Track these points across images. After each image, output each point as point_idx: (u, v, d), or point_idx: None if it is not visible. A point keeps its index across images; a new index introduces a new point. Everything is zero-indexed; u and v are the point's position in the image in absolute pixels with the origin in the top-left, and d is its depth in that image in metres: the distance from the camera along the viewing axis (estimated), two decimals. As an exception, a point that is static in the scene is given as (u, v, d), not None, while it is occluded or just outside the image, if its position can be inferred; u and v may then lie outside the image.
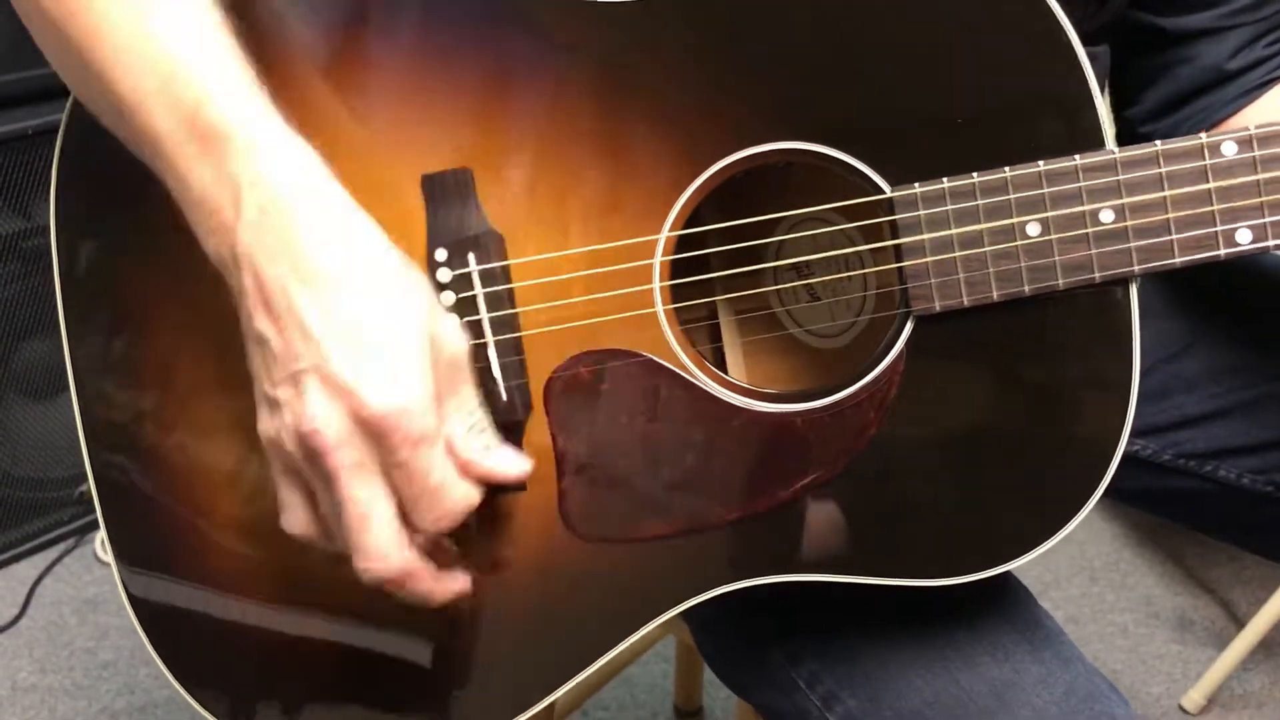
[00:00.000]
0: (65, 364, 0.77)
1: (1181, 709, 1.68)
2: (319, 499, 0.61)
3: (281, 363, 0.59)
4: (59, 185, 0.76)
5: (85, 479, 0.77)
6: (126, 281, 0.76)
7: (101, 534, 1.83)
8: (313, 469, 0.60)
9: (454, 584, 0.65)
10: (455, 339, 0.62)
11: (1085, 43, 0.67)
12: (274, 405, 0.60)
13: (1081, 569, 1.93)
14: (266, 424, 0.61)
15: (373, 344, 0.58)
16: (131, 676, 1.70)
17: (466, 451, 0.62)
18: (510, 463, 0.64)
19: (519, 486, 0.69)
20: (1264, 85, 0.86)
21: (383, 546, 0.60)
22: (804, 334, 0.84)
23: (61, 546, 1.89)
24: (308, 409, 0.58)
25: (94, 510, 0.78)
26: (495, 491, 0.72)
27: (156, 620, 0.78)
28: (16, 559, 1.87)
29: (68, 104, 0.74)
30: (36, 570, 1.85)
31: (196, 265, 0.73)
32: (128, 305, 0.76)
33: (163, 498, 0.76)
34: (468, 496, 0.62)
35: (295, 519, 0.63)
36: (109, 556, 1.85)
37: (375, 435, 0.58)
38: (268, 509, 0.75)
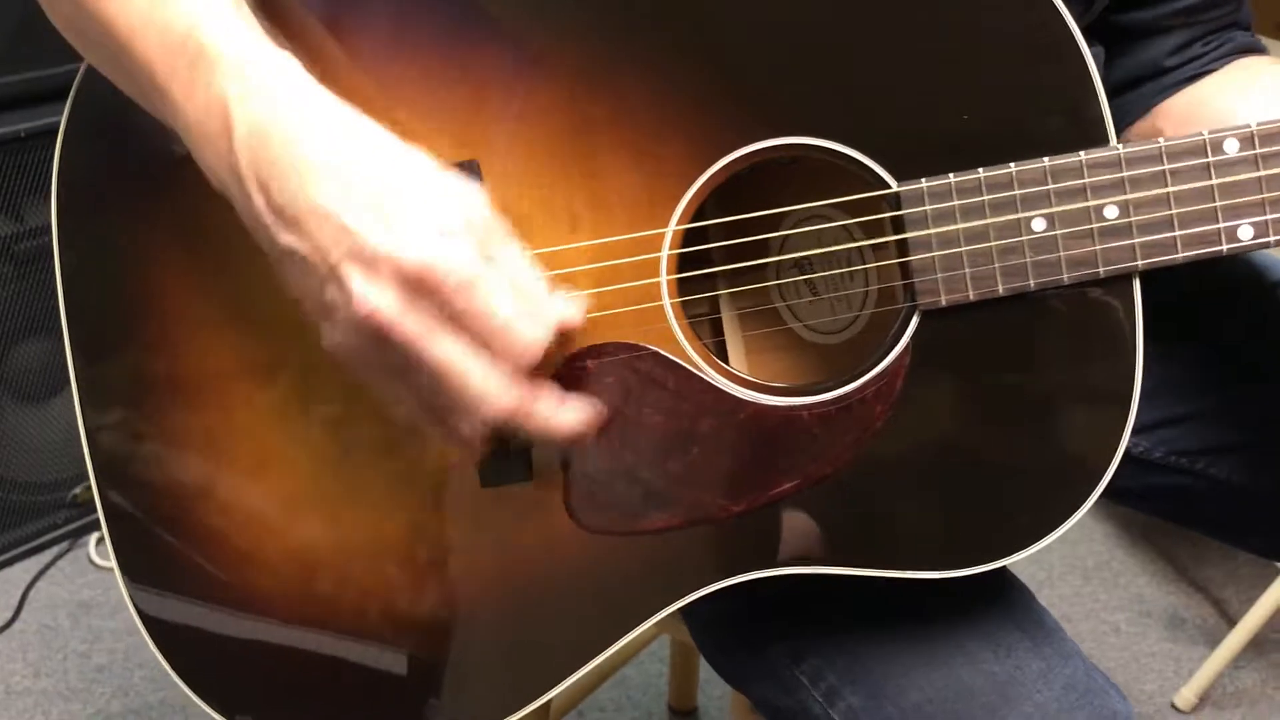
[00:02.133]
0: (60, 367, 0.77)
1: (1174, 707, 1.68)
2: (412, 380, 0.61)
3: (316, 264, 0.59)
4: (59, 185, 0.75)
5: (80, 482, 0.77)
6: (129, 282, 0.76)
7: (96, 536, 1.84)
8: (390, 352, 0.60)
9: (577, 412, 0.65)
10: (474, 195, 0.62)
11: None
12: (327, 311, 0.60)
13: (1074, 568, 1.94)
14: (330, 335, 0.61)
15: (394, 205, 0.58)
16: (126, 680, 1.69)
17: (529, 296, 0.62)
18: (567, 307, 0.64)
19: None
20: (1194, 77, 0.91)
21: (489, 387, 0.61)
22: (805, 329, 0.84)
23: (55, 549, 1.88)
24: (355, 292, 0.58)
25: (88, 513, 0.78)
26: (503, 481, 0.72)
27: (167, 631, 0.78)
28: (10, 562, 1.86)
29: (68, 103, 0.74)
30: (30, 573, 1.84)
31: (202, 264, 0.74)
32: (131, 306, 0.76)
33: (169, 504, 0.76)
34: (538, 332, 0.62)
35: (407, 411, 0.64)
36: (103, 560, 1.85)
37: (427, 290, 0.58)
38: (275, 513, 0.75)
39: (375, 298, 0.58)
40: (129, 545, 0.78)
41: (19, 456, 1.77)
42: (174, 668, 0.77)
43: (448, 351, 0.59)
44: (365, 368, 0.62)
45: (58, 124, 0.75)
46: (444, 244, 0.58)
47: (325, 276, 0.59)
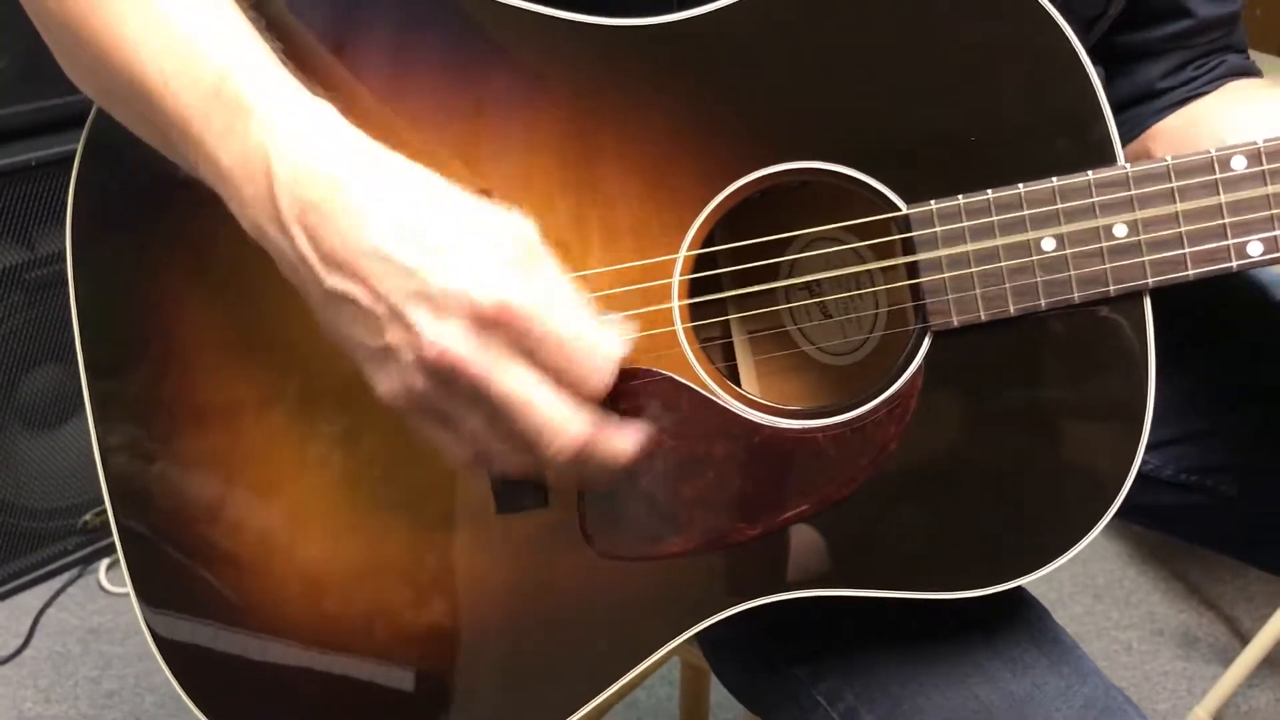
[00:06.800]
0: (70, 394, 0.77)
1: (1188, 726, 1.68)
2: (469, 422, 0.61)
3: (372, 307, 0.59)
4: (74, 210, 0.76)
5: (90, 508, 0.77)
6: (143, 307, 0.76)
7: (106, 563, 1.84)
8: (453, 392, 0.59)
9: (639, 432, 0.65)
10: (516, 221, 0.61)
11: None
12: (387, 355, 0.60)
13: (1085, 587, 1.94)
14: (387, 382, 0.61)
15: (455, 245, 0.58)
16: (136, 705, 1.69)
17: (587, 311, 0.61)
18: (620, 332, 0.63)
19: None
20: (1187, 100, 0.92)
21: (559, 417, 0.60)
22: (816, 351, 0.84)
23: (66, 576, 1.88)
24: (426, 334, 0.58)
25: (99, 539, 0.78)
26: (519, 508, 0.72)
27: (183, 658, 0.77)
28: (21, 589, 1.86)
29: (84, 132, 0.74)
30: (41, 600, 1.85)
31: (215, 289, 0.75)
32: (145, 330, 0.76)
33: (184, 527, 0.76)
34: (614, 342, 0.61)
35: (459, 454, 0.63)
36: (113, 586, 1.85)
37: (500, 325, 0.58)
38: (289, 538, 0.75)
39: (447, 338, 0.58)
40: (145, 569, 0.78)
41: (30, 483, 1.78)
42: (188, 692, 0.77)
43: (517, 384, 0.59)
44: (419, 413, 0.62)
45: (68, 153, 0.75)
46: (512, 277, 0.58)
47: (385, 319, 0.59)
